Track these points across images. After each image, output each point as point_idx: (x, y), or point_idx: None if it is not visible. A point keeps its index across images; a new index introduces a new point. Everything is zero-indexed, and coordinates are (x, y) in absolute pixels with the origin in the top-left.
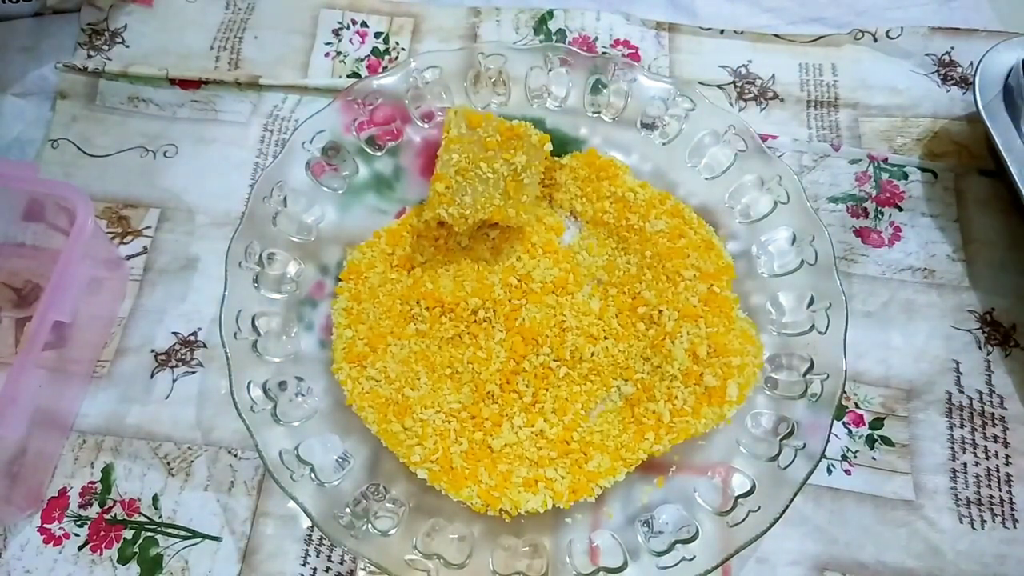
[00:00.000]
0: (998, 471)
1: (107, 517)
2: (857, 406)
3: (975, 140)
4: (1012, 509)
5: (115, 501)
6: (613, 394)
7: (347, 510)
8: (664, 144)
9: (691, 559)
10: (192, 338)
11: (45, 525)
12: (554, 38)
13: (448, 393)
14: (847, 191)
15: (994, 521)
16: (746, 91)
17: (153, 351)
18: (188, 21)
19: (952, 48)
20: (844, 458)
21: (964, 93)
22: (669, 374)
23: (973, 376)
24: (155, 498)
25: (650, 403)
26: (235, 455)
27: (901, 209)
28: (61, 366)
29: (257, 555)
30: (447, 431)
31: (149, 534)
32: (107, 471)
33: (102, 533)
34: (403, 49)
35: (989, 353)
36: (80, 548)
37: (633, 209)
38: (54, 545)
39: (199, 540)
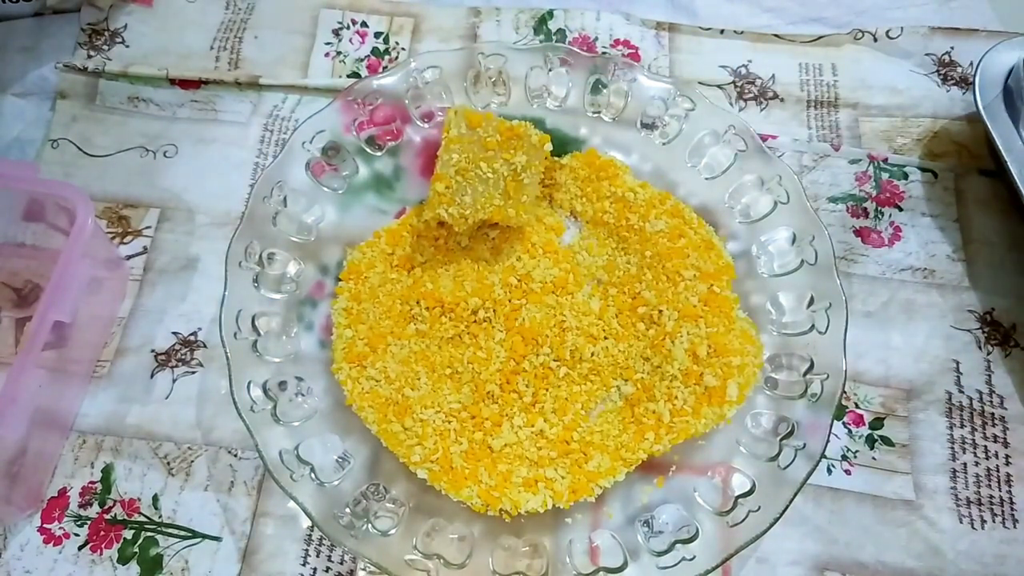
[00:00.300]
0: (998, 471)
1: (107, 517)
2: (857, 406)
3: (975, 140)
4: (1012, 509)
5: (115, 501)
6: (613, 394)
7: (347, 510)
8: (664, 144)
9: (691, 559)
10: (192, 338)
11: (45, 525)
12: (554, 38)
13: (448, 393)
14: (847, 191)
15: (994, 521)
16: (746, 91)
17: (153, 351)
18: (188, 21)
19: (952, 48)
20: (844, 458)
21: (964, 93)
22: (669, 374)
23: (973, 376)
24: (155, 498)
25: (650, 403)
26: (235, 455)
27: (901, 209)
28: (61, 366)
29: (257, 555)
30: (447, 431)
31: (149, 534)
32: (107, 471)
33: (102, 533)
34: (403, 49)
35: (989, 353)
36: (80, 548)
37: (633, 209)
38: (54, 545)
39: (199, 540)
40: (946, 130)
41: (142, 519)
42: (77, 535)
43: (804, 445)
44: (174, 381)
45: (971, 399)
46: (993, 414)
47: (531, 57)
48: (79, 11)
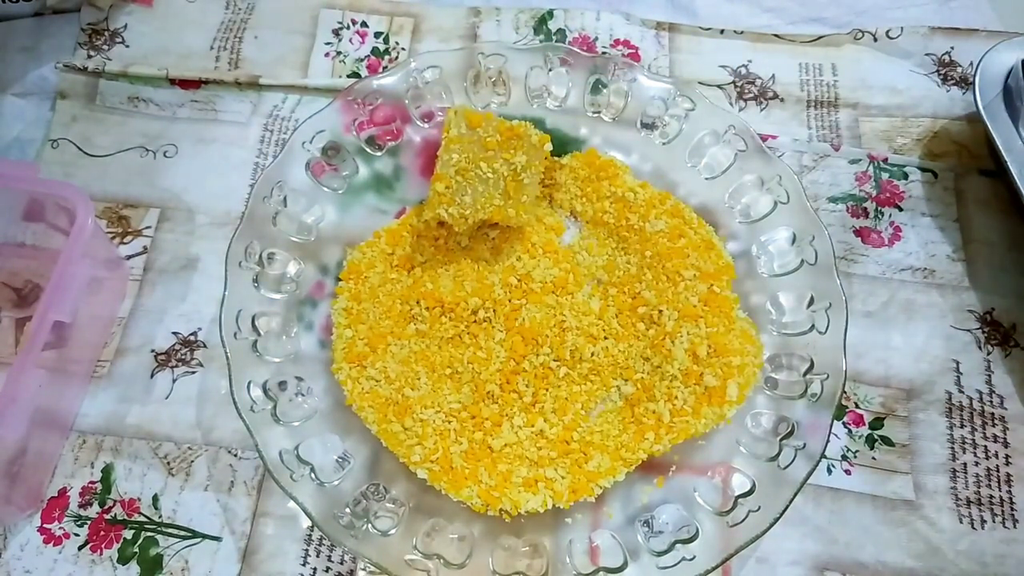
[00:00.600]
0: (998, 471)
1: (107, 517)
2: (857, 406)
3: (975, 140)
4: (1012, 509)
5: (115, 501)
6: (613, 394)
7: (347, 510)
8: (664, 144)
9: (691, 559)
10: (192, 338)
11: (45, 525)
12: (554, 38)
13: (448, 393)
14: (847, 191)
15: (994, 521)
16: (746, 91)
17: (153, 351)
18: (188, 21)
19: (952, 48)
20: (844, 458)
21: (964, 93)
22: (669, 374)
23: (973, 376)
24: (155, 498)
25: (650, 403)
26: (235, 455)
27: (901, 209)
28: (61, 366)
29: (257, 555)
30: (447, 431)
31: (149, 534)
32: (107, 471)
33: (102, 533)
34: (403, 49)
35: (989, 353)
36: (80, 548)
37: (633, 209)
38: (54, 545)
39: (199, 540)
40: (946, 130)
41: (142, 519)
42: (77, 535)
43: (804, 445)
44: (174, 381)
45: (971, 399)
46: (993, 414)
47: (531, 57)
48: (79, 11)
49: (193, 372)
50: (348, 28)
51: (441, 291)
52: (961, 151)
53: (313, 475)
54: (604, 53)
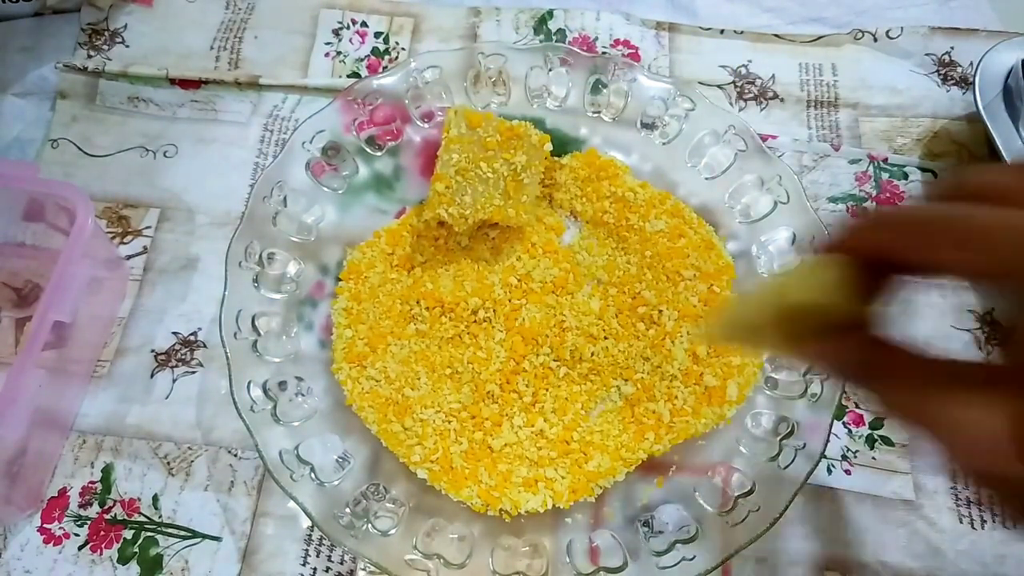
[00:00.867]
0: None
1: (107, 517)
2: (857, 406)
3: (975, 140)
4: None
5: (115, 501)
6: (613, 394)
7: (347, 510)
8: (664, 144)
9: (691, 559)
10: (192, 338)
11: (45, 525)
12: (554, 38)
13: (448, 393)
14: (847, 191)
15: (994, 521)
16: (746, 91)
17: (153, 351)
18: (188, 21)
19: (952, 48)
20: (844, 458)
21: (964, 93)
22: (669, 374)
23: None
24: (155, 498)
25: (650, 403)
26: (235, 455)
27: None
28: (61, 366)
29: (257, 555)
30: (447, 431)
31: (149, 534)
32: (107, 471)
33: (102, 533)
34: (403, 49)
35: (989, 353)
36: (80, 548)
37: (633, 209)
38: (54, 545)
39: (199, 540)
40: (946, 130)
41: (142, 519)
42: (77, 535)
43: (804, 445)
44: (174, 381)
45: None
46: None
47: (531, 57)
48: (79, 11)
49: (193, 372)
50: (348, 28)
51: (441, 291)
52: (961, 151)
53: (313, 475)
54: (604, 53)
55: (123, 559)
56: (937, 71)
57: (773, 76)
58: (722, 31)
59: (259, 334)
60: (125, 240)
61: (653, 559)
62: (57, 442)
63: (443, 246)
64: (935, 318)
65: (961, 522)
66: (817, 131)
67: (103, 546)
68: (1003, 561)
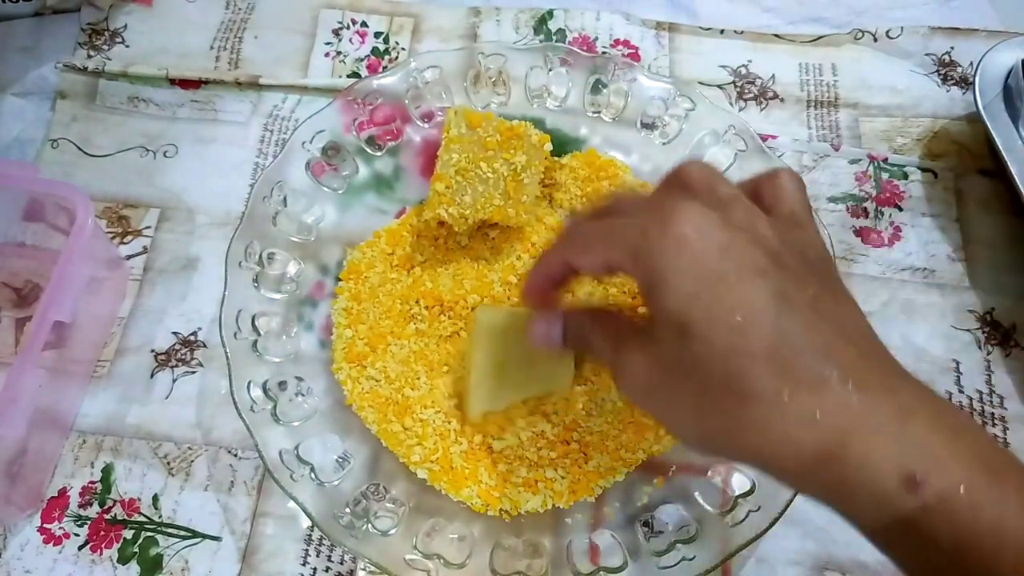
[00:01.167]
0: None
1: (107, 517)
2: None
3: (975, 140)
4: None
5: (115, 501)
6: (612, 395)
7: (347, 510)
8: (664, 144)
9: (691, 559)
10: (192, 338)
11: (45, 525)
12: (554, 38)
13: (447, 392)
14: (847, 191)
15: None
16: (746, 91)
17: (153, 351)
18: (188, 21)
19: (952, 48)
20: None
21: (964, 93)
22: None
23: (973, 376)
24: (155, 498)
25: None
26: (235, 455)
27: (901, 209)
28: (61, 366)
29: (257, 555)
30: (447, 431)
31: (149, 534)
32: (107, 471)
33: (102, 533)
34: (403, 49)
35: (989, 353)
36: (80, 548)
37: None
38: (54, 545)
39: (199, 540)
40: (946, 130)
41: (142, 519)
42: (77, 535)
43: None
44: (174, 381)
45: (971, 399)
46: (993, 414)
47: (531, 57)
48: (79, 11)
49: (193, 372)
50: (348, 28)
51: (440, 290)
52: (961, 151)
53: (313, 475)
54: (604, 53)
55: (123, 559)
56: (937, 71)
57: (773, 76)
58: (722, 31)
59: (259, 334)
60: (125, 240)
61: (653, 559)
62: (57, 442)
63: (443, 246)
64: (935, 318)
65: None
66: (817, 131)
67: (103, 546)
68: None
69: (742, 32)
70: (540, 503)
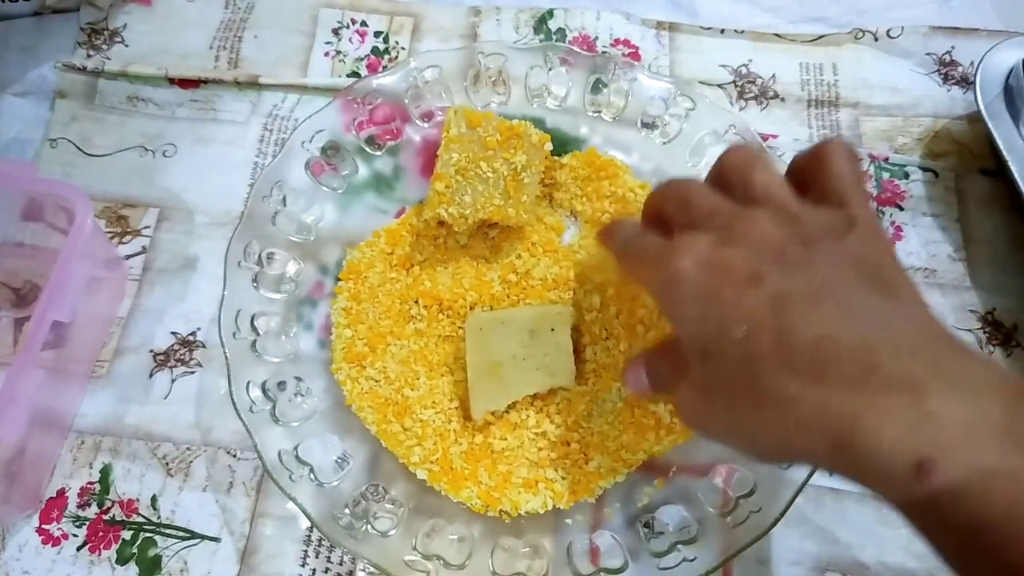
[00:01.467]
0: None
1: (106, 518)
2: None
3: (976, 140)
4: None
5: (114, 501)
6: (613, 395)
7: (346, 511)
8: (664, 143)
9: (692, 560)
10: (191, 338)
11: (43, 526)
12: (554, 37)
13: (447, 391)
14: None
15: None
16: (746, 90)
17: (152, 351)
18: (188, 21)
19: (953, 47)
20: None
21: (965, 92)
22: None
23: None
24: (154, 498)
25: (650, 404)
26: (234, 455)
27: (902, 208)
28: (60, 366)
29: (256, 556)
30: (447, 431)
31: (148, 535)
32: (106, 471)
33: (100, 534)
34: (403, 48)
35: (990, 353)
36: (79, 549)
37: (633, 209)
38: (52, 546)
39: (198, 541)
40: (947, 130)
41: (141, 520)
42: (75, 536)
43: None
44: (173, 381)
45: None
46: None
47: (531, 56)
48: (78, 11)
49: (192, 372)
50: (348, 27)
51: (439, 289)
52: (962, 151)
53: (312, 476)
54: (604, 53)
55: (122, 560)
56: (938, 71)
57: (773, 75)
58: (722, 31)
59: (258, 334)
60: (124, 240)
61: (654, 560)
62: (56, 442)
63: (442, 245)
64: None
65: None
66: (818, 130)
67: (102, 547)
68: None
69: (743, 31)
70: (540, 504)
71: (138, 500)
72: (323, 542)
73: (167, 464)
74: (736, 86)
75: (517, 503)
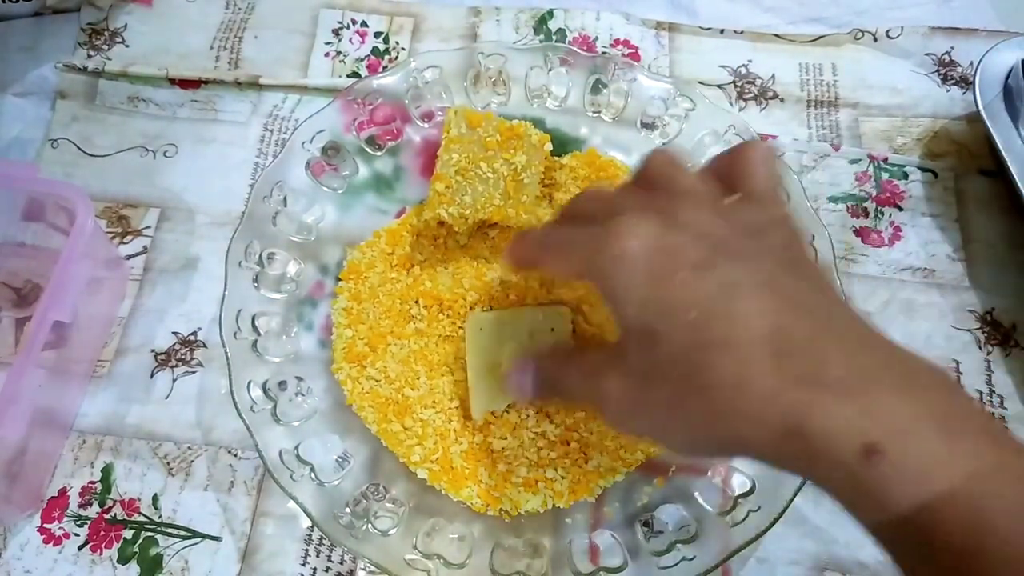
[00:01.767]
0: None
1: (107, 517)
2: None
3: (975, 140)
4: None
5: (115, 501)
6: None
7: (347, 510)
8: (664, 144)
9: (691, 559)
10: (192, 338)
11: (45, 525)
12: (554, 38)
13: (447, 391)
14: (847, 191)
15: None
16: (746, 91)
17: (153, 351)
18: (188, 21)
19: (952, 48)
20: None
21: (964, 93)
22: None
23: (973, 376)
24: (155, 498)
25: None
26: (235, 455)
27: (901, 209)
28: (61, 366)
29: (257, 555)
30: (447, 431)
31: (149, 534)
32: (107, 471)
33: (102, 533)
34: (403, 49)
35: (989, 353)
36: (80, 548)
37: None
38: (54, 545)
39: (199, 540)
40: (946, 130)
41: (142, 519)
42: (77, 535)
43: None
44: (174, 381)
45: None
46: (993, 414)
47: (531, 57)
48: (79, 11)
49: (193, 372)
50: (348, 28)
51: (439, 288)
52: (961, 151)
53: (313, 475)
54: (604, 53)
55: (123, 559)
56: (937, 71)
57: (773, 76)
58: (722, 31)
59: (259, 334)
60: (125, 240)
61: (653, 559)
62: (57, 442)
63: (442, 245)
64: (935, 318)
65: None
66: (817, 131)
67: (103, 546)
68: None
69: (742, 32)
70: (540, 503)
71: (139, 499)
72: (324, 541)
73: (168, 463)
74: (736, 86)
75: (517, 502)
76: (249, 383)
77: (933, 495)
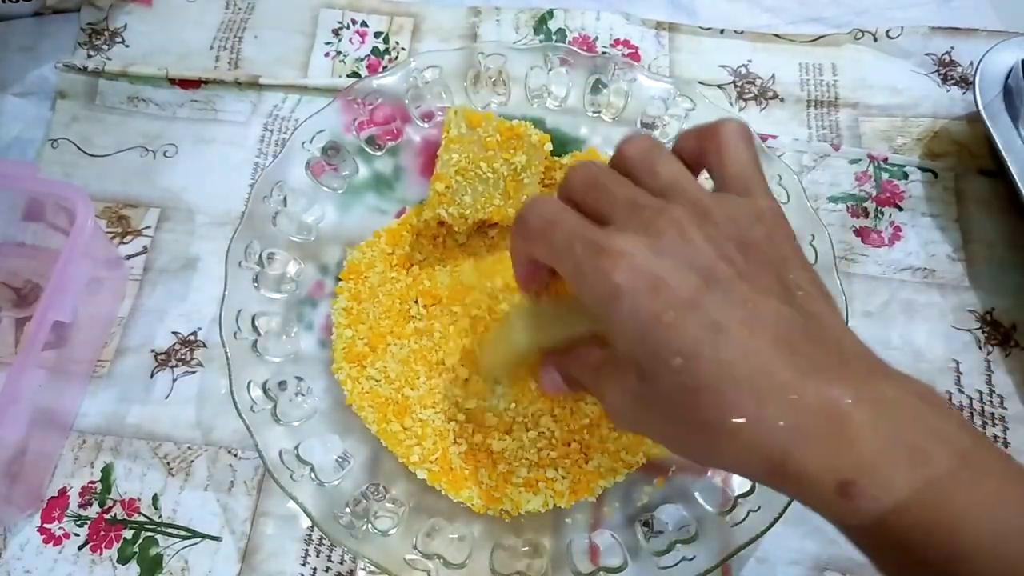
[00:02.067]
0: None
1: (107, 517)
2: None
3: (975, 140)
4: None
5: (115, 501)
6: None
7: (347, 510)
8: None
9: (691, 559)
10: (192, 338)
11: (45, 525)
12: (554, 38)
13: (447, 392)
14: (847, 191)
15: None
16: (746, 91)
17: (153, 351)
18: (188, 21)
19: (952, 48)
20: None
21: (964, 93)
22: None
23: (973, 376)
24: (155, 498)
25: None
26: (235, 455)
27: (901, 209)
28: (61, 366)
29: (257, 555)
30: (447, 431)
31: (149, 534)
32: (107, 471)
33: (102, 533)
34: (403, 49)
35: (989, 353)
36: (80, 548)
37: None
38: (54, 545)
39: (199, 540)
40: (946, 130)
41: (142, 519)
42: (77, 535)
43: None
44: (174, 381)
45: (971, 399)
46: (993, 414)
47: (531, 57)
48: (79, 11)
49: (193, 372)
50: (348, 28)
51: (439, 289)
52: (961, 151)
53: (313, 475)
54: (604, 53)
55: (123, 559)
56: (937, 71)
57: (773, 76)
58: (722, 31)
59: (259, 334)
60: (125, 240)
61: (653, 559)
62: (57, 442)
63: (442, 245)
64: (935, 318)
65: None
66: (817, 131)
67: (103, 546)
68: None
69: (742, 32)
70: (541, 503)
71: (139, 499)
72: (324, 541)
73: (168, 463)
74: (736, 86)
75: (518, 503)
76: (249, 383)
77: (899, 502)
